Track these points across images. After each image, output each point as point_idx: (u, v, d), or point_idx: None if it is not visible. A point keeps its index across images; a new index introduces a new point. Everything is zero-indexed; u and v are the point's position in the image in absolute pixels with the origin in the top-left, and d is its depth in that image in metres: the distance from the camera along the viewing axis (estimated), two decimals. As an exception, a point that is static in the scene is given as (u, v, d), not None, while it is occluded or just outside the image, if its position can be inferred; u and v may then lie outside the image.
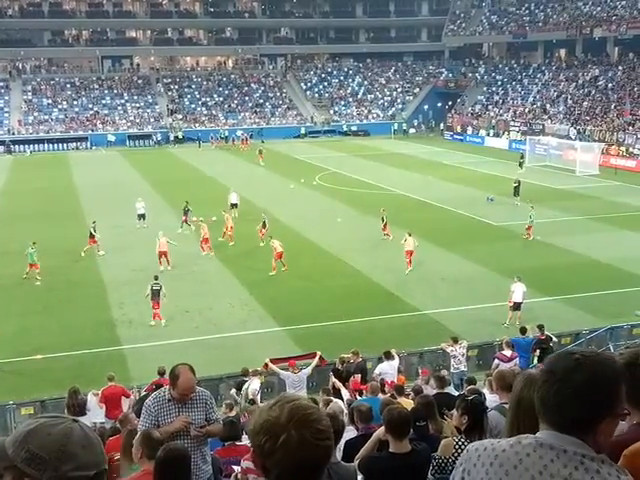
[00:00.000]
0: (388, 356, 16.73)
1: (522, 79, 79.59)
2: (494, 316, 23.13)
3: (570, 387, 2.19)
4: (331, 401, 11.52)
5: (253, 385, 15.62)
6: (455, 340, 18.53)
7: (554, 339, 18.98)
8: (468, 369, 18.10)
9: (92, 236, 31.03)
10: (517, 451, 2.20)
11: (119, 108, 79.45)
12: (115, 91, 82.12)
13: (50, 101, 78.69)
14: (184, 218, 34.88)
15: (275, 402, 2.23)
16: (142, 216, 36.04)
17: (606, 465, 2.17)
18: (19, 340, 21.82)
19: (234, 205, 37.86)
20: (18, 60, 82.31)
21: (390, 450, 6.34)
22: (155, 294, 23.12)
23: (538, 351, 17.32)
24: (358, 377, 16.22)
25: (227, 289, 26.70)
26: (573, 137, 61.09)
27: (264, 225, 32.47)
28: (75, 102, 79.40)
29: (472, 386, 11.10)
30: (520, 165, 51.44)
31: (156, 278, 23.74)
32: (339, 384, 15.33)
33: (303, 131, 79.34)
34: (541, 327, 18.47)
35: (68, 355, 20.56)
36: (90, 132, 74.14)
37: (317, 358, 17.70)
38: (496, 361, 16.56)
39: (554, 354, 2.35)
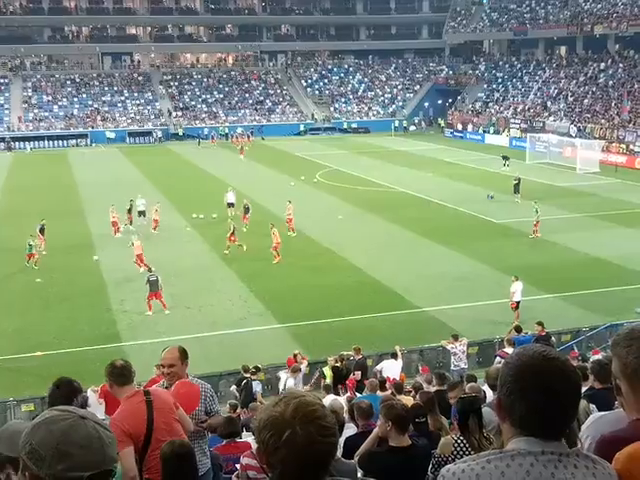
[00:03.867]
0: (394, 356, 16.79)
1: (522, 76, 79.51)
2: (495, 314, 23.12)
3: (562, 393, 2.22)
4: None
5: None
6: (455, 337, 18.54)
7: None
8: (468, 366, 18.13)
9: (42, 233, 31.02)
10: (497, 465, 2.21)
11: (119, 105, 79.41)
12: (115, 88, 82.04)
13: (50, 98, 78.63)
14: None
15: (280, 398, 2.23)
16: (142, 213, 36.10)
17: (581, 458, 2.23)
18: (20, 337, 21.86)
19: (230, 205, 37.55)
20: (18, 57, 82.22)
21: (390, 444, 6.34)
22: (153, 285, 23.56)
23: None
24: (358, 374, 16.23)
25: (227, 286, 26.71)
26: (573, 134, 60.98)
27: (246, 211, 34.51)
28: (75, 99, 79.36)
29: (472, 383, 11.09)
30: (505, 164, 51.33)
31: (150, 270, 24.19)
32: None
33: (303, 128, 79.32)
34: (540, 324, 18.45)
35: (68, 352, 20.56)
36: (90, 129, 74.08)
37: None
38: (498, 359, 16.52)
39: (524, 356, 2.30)
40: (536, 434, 2.23)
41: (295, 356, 17.46)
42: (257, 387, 15.67)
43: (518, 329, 18.59)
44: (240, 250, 29.92)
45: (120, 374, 5.62)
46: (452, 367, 17.75)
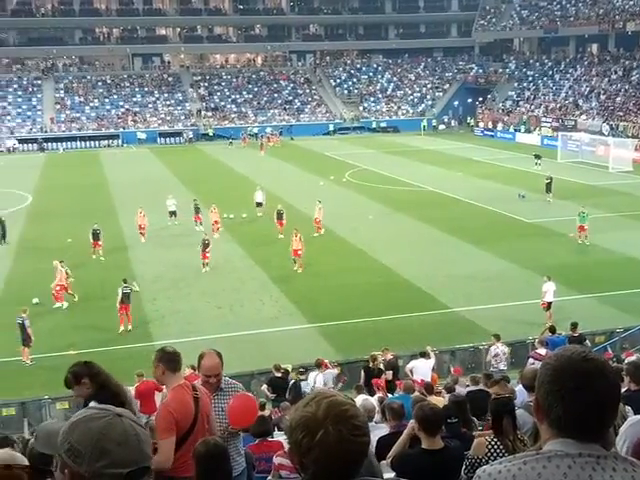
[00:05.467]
0: (424, 355, 16.69)
1: (554, 74, 78.73)
2: (527, 314, 22.92)
3: (601, 394, 2.19)
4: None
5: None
6: (497, 337, 18.31)
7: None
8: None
9: (97, 238, 30.48)
10: (533, 466, 2.18)
11: (150, 106, 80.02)
12: (146, 89, 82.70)
13: (82, 99, 79.44)
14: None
15: (311, 398, 2.23)
16: (173, 213, 36.28)
17: (620, 460, 2.19)
18: (53, 336, 22.09)
19: (259, 204, 37.72)
20: (50, 58, 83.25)
21: (423, 446, 6.32)
22: (126, 297, 22.62)
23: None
24: (389, 374, 16.20)
25: (258, 286, 26.77)
26: (606, 133, 60.29)
27: (280, 217, 33.23)
28: (106, 100, 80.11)
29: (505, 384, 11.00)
30: (537, 163, 50.98)
31: (125, 281, 23.18)
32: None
33: (332, 128, 79.29)
34: (574, 325, 18.24)
35: (101, 351, 20.72)
36: (122, 130, 74.76)
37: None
38: (530, 360, 16.37)
39: (563, 357, 2.27)
40: (574, 436, 2.21)
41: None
42: (306, 387, 15.72)
43: (552, 330, 18.38)
44: (205, 268, 28.42)
45: (173, 359, 5.68)
46: (491, 369, 17.39)
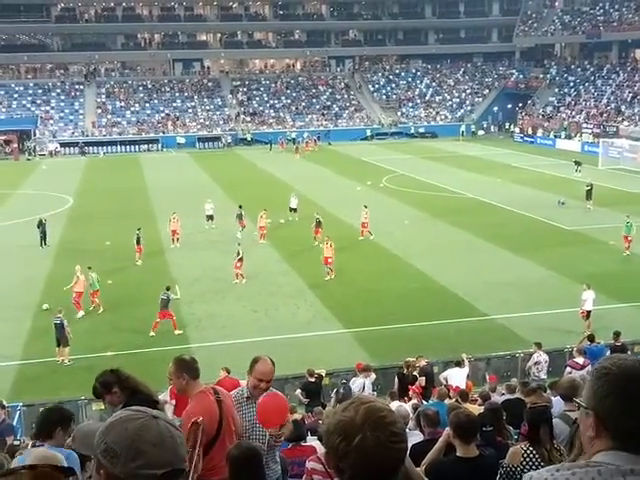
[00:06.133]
0: (458, 364, 16.57)
1: (595, 80, 77.75)
2: (565, 322, 22.60)
3: None
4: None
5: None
6: (539, 345, 18.08)
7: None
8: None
9: (138, 243, 30.61)
10: (581, 478, 2.10)
11: (189, 110, 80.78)
12: (186, 94, 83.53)
13: (123, 104, 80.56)
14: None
15: (350, 403, 2.22)
16: (210, 217, 36.51)
17: None
18: (90, 337, 22.34)
19: (293, 210, 37.75)
20: (93, 63, 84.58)
21: (457, 454, 6.26)
22: (164, 304, 22.65)
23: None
24: (422, 380, 16.09)
25: (293, 290, 26.81)
26: (648, 139, 59.34)
27: (318, 224, 32.86)
28: (147, 104, 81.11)
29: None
30: (577, 170, 50.31)
31: (168, 289, 23.05)
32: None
33: (370, 133, 79.20)
34: (617, 334, 17.90)
35: (138, 352, 20.96)
36: (161, 134, 75.56)
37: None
38: (568, 369, 16.14)
39: (624, 365, 2.15)
40: (629, 449, 2.11)
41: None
42: (355, 389, 15.77)
43: (591, 338, 18.09)
44: (235, 280, 27.74)
45: (194, 367, 5.69)
46: (532, 377, 17.11)
